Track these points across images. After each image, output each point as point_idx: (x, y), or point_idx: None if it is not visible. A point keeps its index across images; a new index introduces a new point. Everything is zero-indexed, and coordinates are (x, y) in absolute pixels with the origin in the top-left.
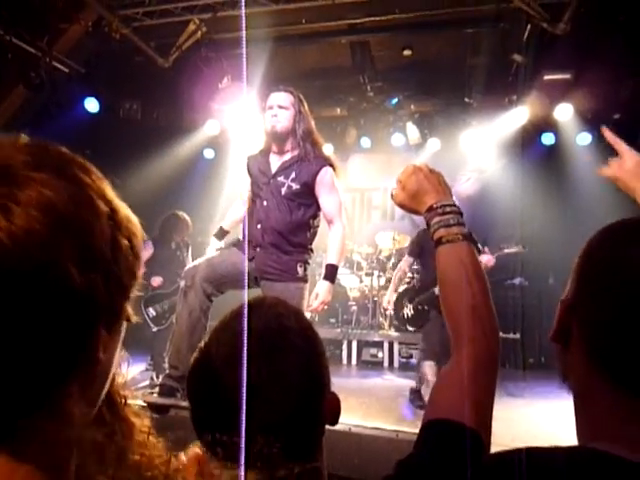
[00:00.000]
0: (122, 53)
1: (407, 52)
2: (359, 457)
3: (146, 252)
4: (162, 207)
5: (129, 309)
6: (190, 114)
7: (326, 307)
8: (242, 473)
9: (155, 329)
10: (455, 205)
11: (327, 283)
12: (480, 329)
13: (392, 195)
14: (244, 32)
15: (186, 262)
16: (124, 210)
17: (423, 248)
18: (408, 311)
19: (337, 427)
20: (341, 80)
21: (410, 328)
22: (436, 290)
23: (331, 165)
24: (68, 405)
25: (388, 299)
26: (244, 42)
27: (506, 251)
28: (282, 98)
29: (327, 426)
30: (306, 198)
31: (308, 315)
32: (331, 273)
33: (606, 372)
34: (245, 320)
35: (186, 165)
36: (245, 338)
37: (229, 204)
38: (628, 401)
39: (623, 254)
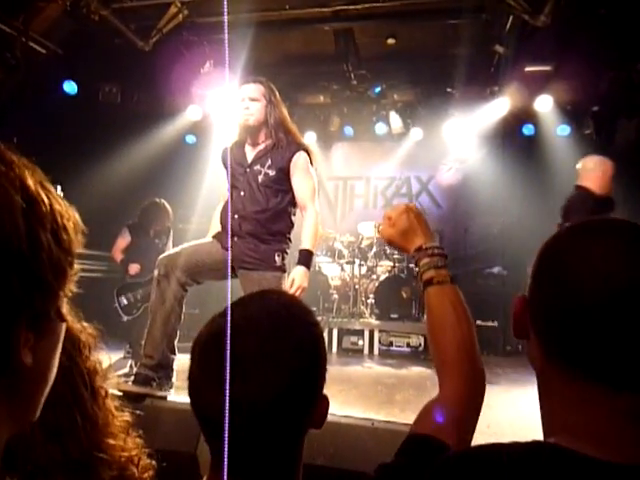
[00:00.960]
0: (101, 35)
1: (391, 41)
2: (335, 446)
3: (123, 240)
4: (143, 193)
5: (62, 308)
6: (171, 99)
7: (302, 292)
8: (225, 448)
9: (125, 318)
10: (442, 248)
11: (303, 268)
12: (469, 367)
13: (379, 229)
14: (226, 16)
15: (165, 250)
16: (52, 202)
17: None
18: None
19: None
20: (324, 67)
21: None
22: None
23: (305, 150)
24: None
25: None
26: (226, 27)
27: None
28: (252, 90)
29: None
30: (282, 184)
31: None
32: (306, 258)
33: (561, 360)
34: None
35: (167, 151)
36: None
37: (211, 191)
38: (585, 386)
39: (565, 254)
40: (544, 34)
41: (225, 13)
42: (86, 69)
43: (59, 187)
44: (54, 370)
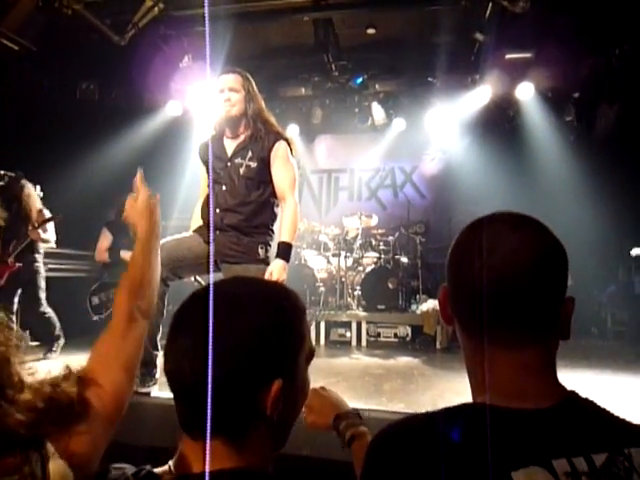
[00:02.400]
0: (76, 31)
1: (371, 31)
2: (321, 435)
3: (105, 239)
4: (124, 190)
5: None
6: (150, 94)
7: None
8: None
9: (95, 318)
10: (357, 410)
11: (281, 261)
12: None
13: (306, 422)
14: (207, 8)
15: None
16: None
17: None
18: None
19: None
20: (305, 59)
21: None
22: None
23: (285, 139)
24: None
25: None
26: (207, 19)
27: None
28: (231, 80)
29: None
30: (264, 175)
31: None
32: (284, 251)
33: (470, 331)
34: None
35: (147, 147)
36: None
37: (191, 186)
38: (491, 350)
39: (459, 241)
40: (524, 20)
41: (206, 5)
42: (61, 66)
43: (38, 187)
44: None
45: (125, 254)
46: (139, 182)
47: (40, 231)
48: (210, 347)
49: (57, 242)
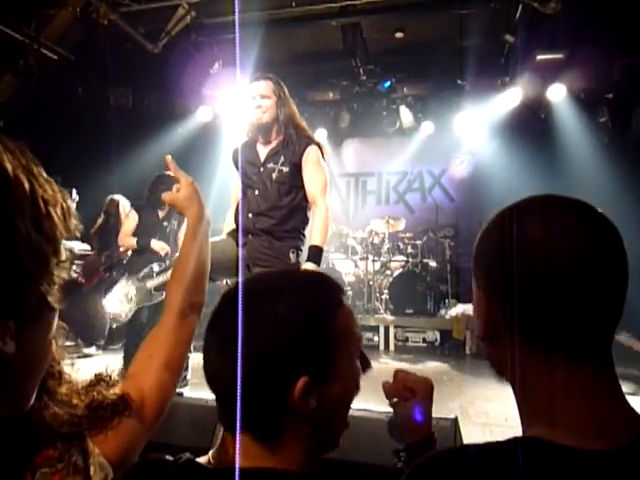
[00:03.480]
0: (111, 39)
1: (399, 34)
2: (348, 439)
3: (131, 222)
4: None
5: (51, 295)
6: (181, 101)
7: None
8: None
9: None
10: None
11: (312, 265)
12: None
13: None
14: (237, 15)
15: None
16: (34, 187)
17: None
18: None
19: None
20: (333, 64)
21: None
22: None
23: (317, 144)
24: None
25: None
26: (237, 26)
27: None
28: (263, 87)
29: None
30: (296, 180)
31: None
32: (315, 255)
33: (538, 345)
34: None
35: (178, 152)
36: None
37: (222, 191)
38: (565, 367)
39: (518, 236)
40: (555, 21)
41: (236, 12)
42: (97, 73)
43: (74, 191)
44: (45, 358)
45: (156, 244)
46: (173, 168)
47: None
48: (239, 344)
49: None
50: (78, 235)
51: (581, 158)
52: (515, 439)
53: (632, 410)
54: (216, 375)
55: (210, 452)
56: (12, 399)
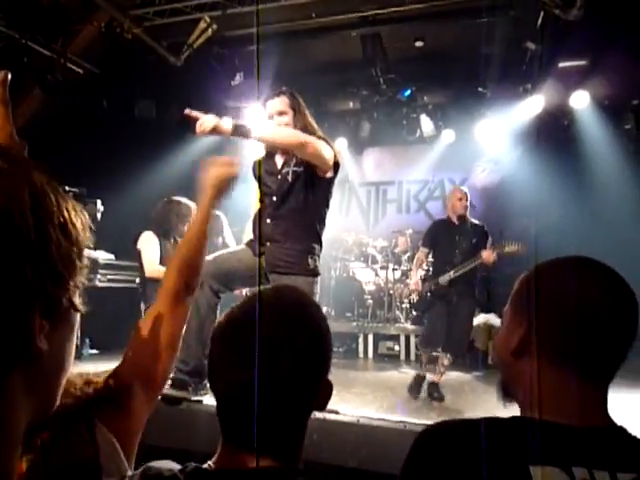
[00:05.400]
0: (135, 53)
1: (419, 43)
2: (367, 448)
3: (154, 248)
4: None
5: (76, 298)
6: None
7: (201, 127)
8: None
9: None
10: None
11: (229, 121)
12: None
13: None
14: (257, 28)
15: None
16: (58, 199)
17: (436, 239)
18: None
19: (346, 419)
20: (353, 73)
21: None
22: (441, 279)
23: (325, 140)
24: (10, 397)
25: (415, 280)
26: (257, 38)
27: (505, 250)
28: (278, 104)
29: (335, 417)
30: (309, 177)
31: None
32: (240, 128)
33: (557, 363)
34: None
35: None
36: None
37: (240, 199)
38: (575, 380)
39: (563, 285)
40: (577, 28)
41: (256, 25)
42: (121, 86)
43: (99, 201)
44: (70, 359)
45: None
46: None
47: None
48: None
49: (115, 254)
50: (92, 245)
51: (606, 166)
52: (517, 416)
53: (609, 417)
54: (234, 388)
55: (209, 461)
56: (42, 399)
